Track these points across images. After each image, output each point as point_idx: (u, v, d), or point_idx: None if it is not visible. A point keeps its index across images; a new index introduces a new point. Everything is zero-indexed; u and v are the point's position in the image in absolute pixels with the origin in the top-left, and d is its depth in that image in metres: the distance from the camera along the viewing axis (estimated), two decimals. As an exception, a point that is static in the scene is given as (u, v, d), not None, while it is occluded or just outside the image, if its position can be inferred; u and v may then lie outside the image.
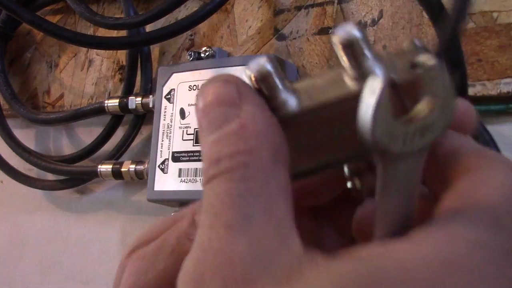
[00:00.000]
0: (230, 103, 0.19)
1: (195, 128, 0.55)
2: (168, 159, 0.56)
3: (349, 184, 0.24)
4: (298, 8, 0.56)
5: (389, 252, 0.17)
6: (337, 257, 0.17)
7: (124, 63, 0.67)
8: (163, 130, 0.57)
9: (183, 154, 0.56)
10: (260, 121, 0.19)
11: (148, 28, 0.62)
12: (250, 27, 0.59)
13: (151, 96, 0.60)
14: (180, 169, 0.55)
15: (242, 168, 0.18)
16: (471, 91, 0.46)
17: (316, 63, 0.55)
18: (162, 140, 0.57)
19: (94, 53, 0.70)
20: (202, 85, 0.20)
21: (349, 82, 0.20)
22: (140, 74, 0.65)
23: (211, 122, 0.19)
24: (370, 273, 0.16)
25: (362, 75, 0.20)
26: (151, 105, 0.60)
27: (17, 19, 0.59)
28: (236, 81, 0.20)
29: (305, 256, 0.17)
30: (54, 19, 0.73)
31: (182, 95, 0.57)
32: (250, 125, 0.19)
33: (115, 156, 0.65)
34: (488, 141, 0.46)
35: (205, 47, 0.58)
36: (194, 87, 0.56)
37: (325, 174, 0.23)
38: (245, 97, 0.19)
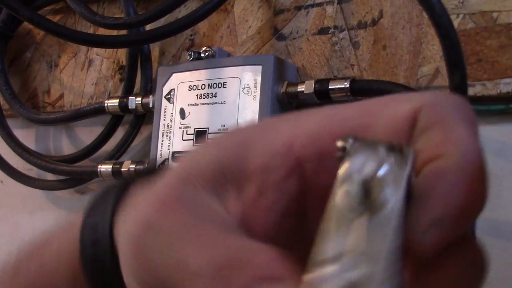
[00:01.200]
0: None
1: (195, 128, 0.55)
2: (168, 159, 0.56)
3: None
4: (298, 8, 0.56)
5: None
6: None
7: (124, 63, 0.67)
8: (163, 130, 0.57)
9: (183, 154, 0.56)
10: None
11: (148, 28, 0.62)
12: (250, 27, 0.59)
13: (151, 96, 0.60)
14: (180, 169, 0.55)
15: None
16: (471, 91, 0.46)
17: (316, 63, 0.55)
18: (162, 140, 0.57)
19: (94, 53, 0.70)
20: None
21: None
22: (140, 74, 0.65)
23: None
24: None
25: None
26: (151, 105, 0.60)
27: (17, 16, 0.59)
28: None
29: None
30: (54, 19, 0.73)
31: (182, 95, 0.57)
32: None
33: (115, 156, 0.65)
34: None
35: (205, 47, 0.58)
36: (194, 87, 0.56)
37: None
38: None
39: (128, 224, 0.21)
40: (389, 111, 0.20)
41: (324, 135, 0.20)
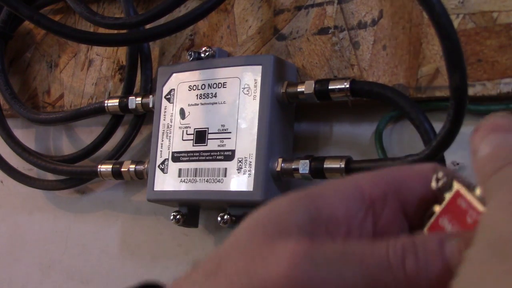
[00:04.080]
0: (509, 129, 0.24)
1: (195, 128, 0.55)
2: (168, 159, 0.56)
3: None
4: (298, 8, 0.56)
5: None
6: None
7: (124, 63, 0.67)
8: (163, 130, 0.57)
9: (183, 154, 0.56)
10: None
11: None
12: (250, 27, 0.59)
13: (151, 96, 0.60)
14: (180, 169, 0.55)
15: None
16: (471, 91, 0.46)
17: (316, 63, 0.55)
18: (162, 140, 0.57)
19: (94, 53, 0.70)
20: (479, 124, 0.25)
21: None
22: (140, 74, 0.65)
23: (490, 142, 0.24)
24: None
25: None
26: (151, 105, 0.60)
27: (16, 14, 0.59)
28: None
29: None
30: (54, 19, 0.73)
31: (182, 95, 0.57)
32: None
33: (115, 156, 0.65)
34: (428, 131, 0.47)
35: (205, 47, 0.58)
36: (194, 87, 0.56)
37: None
38: None
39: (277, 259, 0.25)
40: (416, 166, 0.28)
41: (381, 182, 0.27)
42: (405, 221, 0.28)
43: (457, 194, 0.26)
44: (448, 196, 0.26)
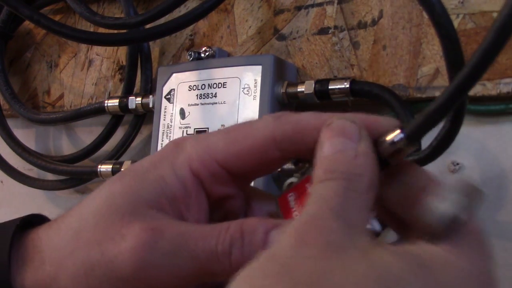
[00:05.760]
0: (352, 138, 0.27)
1: (195, 128, 0.55)
2: (168, 159, 0.56)
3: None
4: (298, 8, 0.56)
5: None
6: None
7: (124, 63, 0.67)
8: (163, 130, 0.57)
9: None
10: (370, 159, 0.27)
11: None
12: (250, 27, 0.59)
13: (151, 96, 0.60)
14: (180, 169, 0.55)
15: (349, 182, 0.26)
16: (471, 91, 0.46)
17: (316, 63, 0.55)
18: (162, 140, 0.57)
19: (94, 53, 0.70)
20: (333, 121, 0.28)
21: None
22: (140, 74, 0.65)
23: (334, 144, 0.27)
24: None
25: None
26: (151, 105, 0.60)
27: (16, 14, 0.59)
28: (360, 125, 0.27)
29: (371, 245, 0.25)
30: (54, 19, 0.73)
31: (182, 95, 0.57)
32: (362, 158, 0.26)
33: (115, 156, 0.65)
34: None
35: (205, 47, 0.58)
36: (194, 87, 0.56)
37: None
38: (364, 138, 0.27)
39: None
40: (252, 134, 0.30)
41: (210, 161, 0.30)
42: (241, 192, 0.31)
43: (308, 179, 0.29)
44: (302, 177, 0.30)
